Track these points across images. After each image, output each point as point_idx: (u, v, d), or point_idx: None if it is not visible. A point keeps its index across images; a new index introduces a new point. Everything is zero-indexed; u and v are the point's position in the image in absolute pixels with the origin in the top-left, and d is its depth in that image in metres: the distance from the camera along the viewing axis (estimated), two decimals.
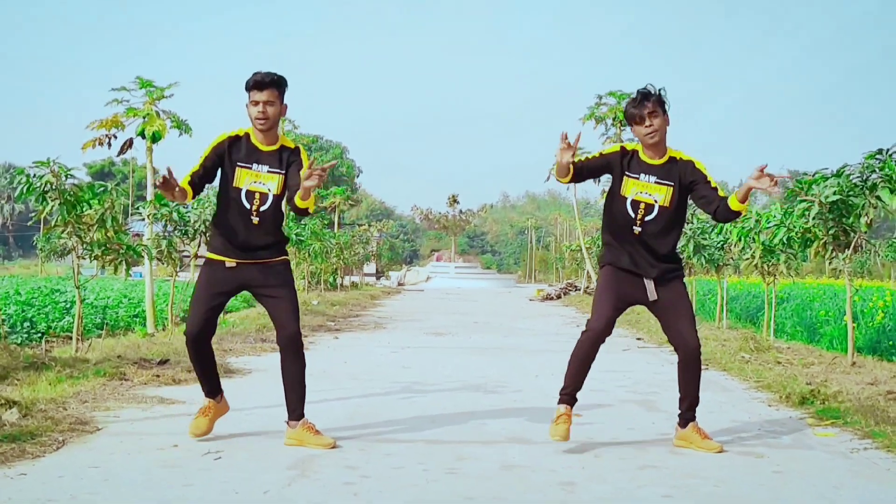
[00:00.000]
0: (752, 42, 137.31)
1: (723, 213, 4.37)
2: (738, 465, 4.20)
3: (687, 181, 4.45)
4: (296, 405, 4.53)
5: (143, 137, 11.60)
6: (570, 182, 4.65)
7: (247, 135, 4.51)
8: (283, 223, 4.56)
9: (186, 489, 3.63)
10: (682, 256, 4.64)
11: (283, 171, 4.47)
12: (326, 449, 4.35)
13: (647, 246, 4.46)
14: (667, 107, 4.43)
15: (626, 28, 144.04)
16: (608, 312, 4.48)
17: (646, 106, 4.35)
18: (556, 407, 4.52)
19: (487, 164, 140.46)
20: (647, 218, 4.43)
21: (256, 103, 4.39)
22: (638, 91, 4.42)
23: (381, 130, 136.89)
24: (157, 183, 4.34)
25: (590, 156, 4.68)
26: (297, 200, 4.27)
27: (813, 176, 7.88)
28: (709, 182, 4.44)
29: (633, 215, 4.45)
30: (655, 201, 4.42)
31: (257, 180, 4.45)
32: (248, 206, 4.44)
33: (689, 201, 4.62)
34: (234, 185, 4.46)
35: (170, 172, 4.26)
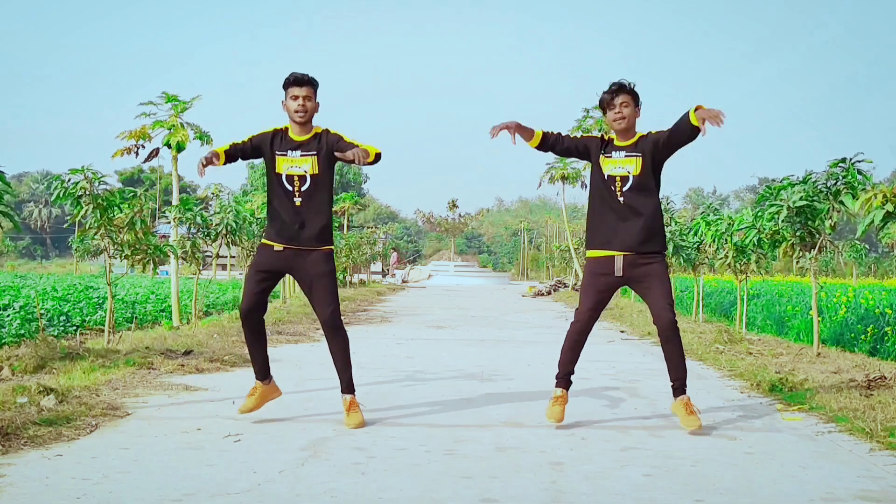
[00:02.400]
0: (726, 64, 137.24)
1: (683, 123, 4.40)
2: (713, 446, 4.20)
3: (654, 144, 4.50)
4: (341, 378, 4.71)
5: (169, 147, 11.61)
6: (536, 147, 4.71)
7: (286, 129, 4.65)
8: (330, 207, 4.65)
9: (209, 468, 3.63)
10: (664, 235, 4.65)
11: (315, 153, 4.58)
12: (358, 427, 4.49)
13: (631, 212, 4.51)
14: (637, 98, 4.56)
15: (615, 49, 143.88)
16: (589, 303, 4.59)
17: (618, 96, 4.49)
18: (553, 390, 4.60)
19: (484, 171, 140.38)
20: (624, 188, 4.52)
21: (296, 97, 4.53)
22: (613, 83, 4.55)
23: (386, 139, 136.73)
24: (203, 161, 4.50)
25: (570, 133, 4.78)
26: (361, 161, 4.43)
27: (781, 182, 7.89)
28: (665, 131, 4.50)
29: (613, 188, 4.54)
30: (629, 172, 4.52)
31: (293, 164, 4.57)
32: (290, 188, 4.57)
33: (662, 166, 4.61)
34: (275, 171, 4.60)
35: (211, 160, 4.50)
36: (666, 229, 4.73)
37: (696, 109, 4.33)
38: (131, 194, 7.99)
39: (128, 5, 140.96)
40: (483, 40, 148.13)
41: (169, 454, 3.87)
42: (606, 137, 4.68)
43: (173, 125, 11.52)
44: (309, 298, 4.67)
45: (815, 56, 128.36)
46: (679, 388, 4.56)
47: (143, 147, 11.55)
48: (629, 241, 4.50)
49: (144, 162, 12.01)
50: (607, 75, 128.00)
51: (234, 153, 4.68)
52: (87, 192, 7.33)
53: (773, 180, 8.24)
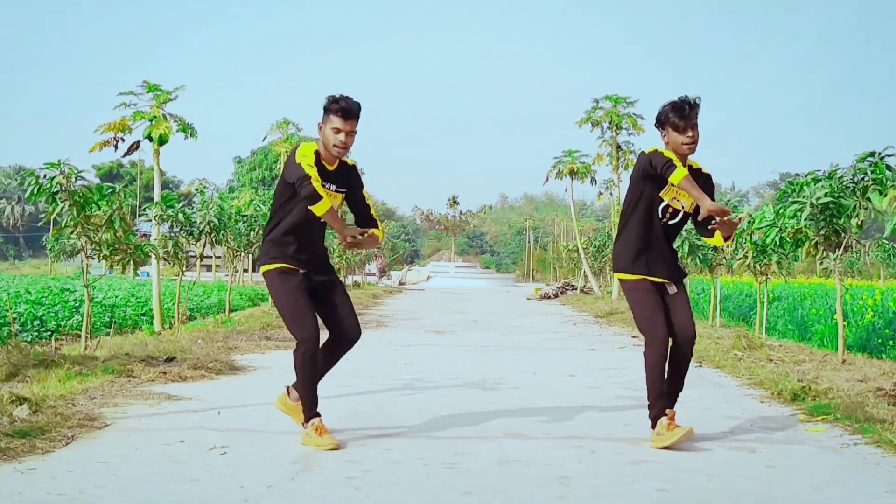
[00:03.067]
0: (745, 51, 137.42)
1: (707, 236, 4.52)
2: (731, 459, 4.20)
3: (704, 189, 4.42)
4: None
5: (150, 140, 11.62)
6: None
7: (317, 152, 4.44)
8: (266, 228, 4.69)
9: (192, 483, 3.64)
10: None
11: (345, 190, 4.57)
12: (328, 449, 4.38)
13: (664, 246, 4.54)
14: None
15: (621, 38, 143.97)
16: (656, 320, 4.47)
17: (691, 118, 4.35)
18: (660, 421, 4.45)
19: (486, 166, 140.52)
20: (671, 222, 4.51)
21: (338, 131, 4.35)
22: (682, 100, 4.38)
23: (383, 133, 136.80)
24: (358, 239, 4.41)
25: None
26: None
27: (804, 178, 7.89)
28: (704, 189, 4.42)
29: (661, 217, 4.49)
30: (683, 207, 4.50)
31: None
32: (318, 218, 4.35)
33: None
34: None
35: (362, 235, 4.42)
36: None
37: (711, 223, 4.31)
38: (110, 190, 8.00)
39: None
40: (485, 29, 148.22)
41: (150, 468, 3.87)
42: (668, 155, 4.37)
43: (155, 116, 11.53)
44: (332, 317, 4.57)
45: (836, 40, 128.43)
46: (671, 402, 4.60)
47: (123, 140, 11.55)
48: (671, 271, 4.55)
49: (124, 156, 12.02)
50: (613, 63, 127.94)
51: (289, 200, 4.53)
52: (64, 188, 7.34)
53: (796, 175, 8.25)
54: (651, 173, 4.36)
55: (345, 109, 4.34)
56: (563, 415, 5.36)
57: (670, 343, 4.50)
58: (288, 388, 4.71)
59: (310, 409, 4.43)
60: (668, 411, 4.46)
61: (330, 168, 4.49)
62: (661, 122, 4.45)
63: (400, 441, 4.53)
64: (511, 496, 3.52)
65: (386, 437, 4.61)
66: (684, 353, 4.55)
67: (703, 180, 4.49)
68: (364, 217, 4.63)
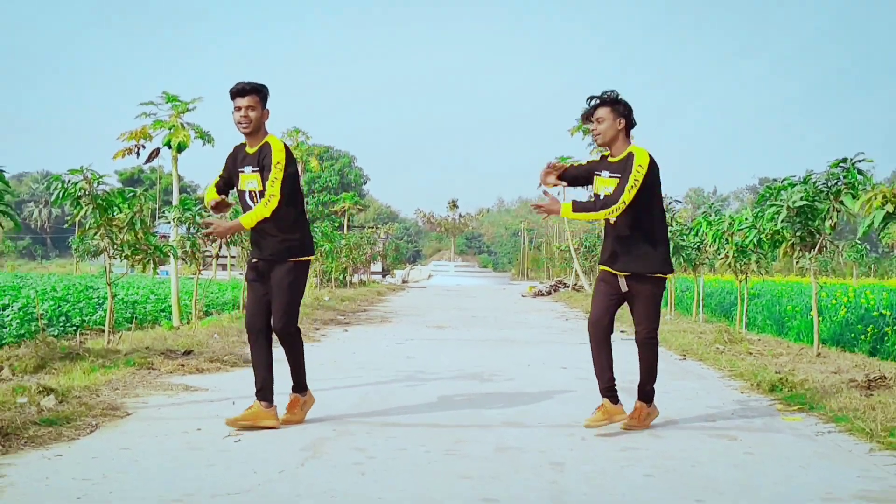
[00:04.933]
0: (721, 58, 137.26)
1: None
2: (713, 447, 4.20)
3: (627, 173, 4.34)
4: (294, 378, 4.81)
5: (169, 147, 11.63)
6: (554, 185, 4.66)
7: (243, 143, 4.62)
8: (291, 221, 4.55)
9: (209, 469, 3.63)
10: (662, 257, 4.54)
11: (259, 169, 4.49)
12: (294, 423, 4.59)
13: (623, 232, 4.44)
14: (618, 108, 4.37)
15: (608, 46, 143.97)
16: (600, 306, 4.57)
17: (593, 112, 4.41)
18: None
19: (484, 171, 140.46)
20: None
21: (239, 108, 4.48)
22: (589, 96, 4.45)
23: (386, 140, 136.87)
24: (211, 206, 4.62)
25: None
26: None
27: (782, 182, 7.89)
28: (625, 181, 4.29)
29: None
30: (608, 193, 4.40)
31: (248, 181, 4.54)
32: (251, 205, 4.51)
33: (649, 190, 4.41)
34: (238, 188, 4.61)
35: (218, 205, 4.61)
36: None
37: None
38: (131, 194, 7.99)
39: (131, 4, 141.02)
40: (483, 37, 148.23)
41: (169, 454, 3.87)
42: (605, 153, 4.58)
43: (174, 125, 11.53)
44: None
45: (811, 47, 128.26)
46: (642, 394, 4.63)
47: (144, 147, 11.57)
48: (625, 263, 4.44)
49: (146, 163, 12.04)
50: (601, 70, 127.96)
51: (223, 189, 4.75)
52: (87, 193, 7.33)
53: (774, 180, 8.24)
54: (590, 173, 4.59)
55: (237, 90, 4.48)
56: (557, 404, 5.35)
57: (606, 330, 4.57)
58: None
59: (258, 390, 4.56)
60: (603, 402, 4.49)
61: (250, 151, 4.55)
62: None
63: (403, 429, 4.53)
64: (508, 481, 3.52)
65: (390, 426, 4.61)
66: (640, 352, 4.58)
67: (628, 160, 4.34)
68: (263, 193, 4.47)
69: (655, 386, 4.67)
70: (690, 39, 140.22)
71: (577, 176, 4.65)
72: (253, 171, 4.51)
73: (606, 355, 4.56)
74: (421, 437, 4.34)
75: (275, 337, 4.64)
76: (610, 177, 4.40)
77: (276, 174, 4.40)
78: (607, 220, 4.47)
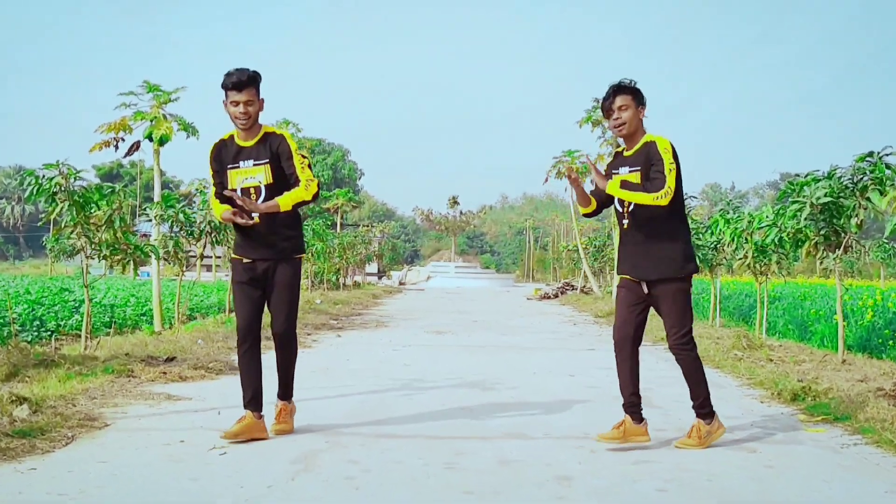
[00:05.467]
0: (739, 47, 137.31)
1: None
2: (731, 459, 4.20)
3: (649, 162, 4.32)
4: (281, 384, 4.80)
5: (150, 140, 11.61)
6: (595, 211, 4.64)
7: (231, 137, 4.55)
8: (295, 216, 4.61)
9: (192, 483, 3.64)
10: (684, 255, 4.42)
11: (267, 161, 4.46)
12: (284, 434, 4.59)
13: (638, 238, 4.39)
14: (639, 96, 4.39)
15: (619, 35, 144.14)
16: (622, 316, 4.48)
17: (615, 100, 4.37)
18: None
19: (487, 166, 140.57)
20: (631, 208, 4.39)
21: (237, 103, 4.39)
22: (611, 85, 4.42)
23: (382, 133, 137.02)
24: (231, 216, 4.40)
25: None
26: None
27: (804, 178, 7.89)
28: (660, 167, 4.25)
29: (620, 209, 4.47)
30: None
31: (247, 176, 4.48)
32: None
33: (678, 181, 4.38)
34: (230, 187, 4.50)
35: (241, 203, 4.37)
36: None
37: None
38: (110, 190, 8.00)
39: None
40: (483, 28, 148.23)
41: (150, 468, 3.87)
42: (618, 150, 4.58)
43: (155, 117, 11.53)
44: (268, 307, 4.64)
45: (836, 38, 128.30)
46: (696, 410, 4.51)
47: (123, 140, 11.55)
48: (644, 269, 4.38)
49: (125, 156, 12.01)
50: (610, 60, 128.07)
51: (223, 197, 4.55)
52: (63, 189, 7.33)
53: (796, 175, 8.24)
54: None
55: (235, 82, 4.37)
56: (563, 415, 5.36)
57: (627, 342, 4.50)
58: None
59: (245, 398, 4.55)
60: (623, 420, 4.44)
61: (247, 144, 4.50)
62: (602, 113, 4.55)
63: (399, 441, 4.53)
64: (511, 496, 3.52)
65: (385, 437, 4.61)
66: (678, 362, 4.49)
67: (646, 149, 4.34)
68: (289, 181, 4.47)
69: (669, 393, 4.65)
70: (707, 27, 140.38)
71: (600, 192, 4.56)
72: (256, 165, 4.46)
73: (630, 368, 4.47)
74: (418, 449, 4.34)
75: (264, 342, 4.64)
76: (630, 171, 4.37)
77: (301, 160, 4.45)
78: (622, 226, 4.47)
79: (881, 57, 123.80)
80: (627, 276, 4.49)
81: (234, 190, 4.48)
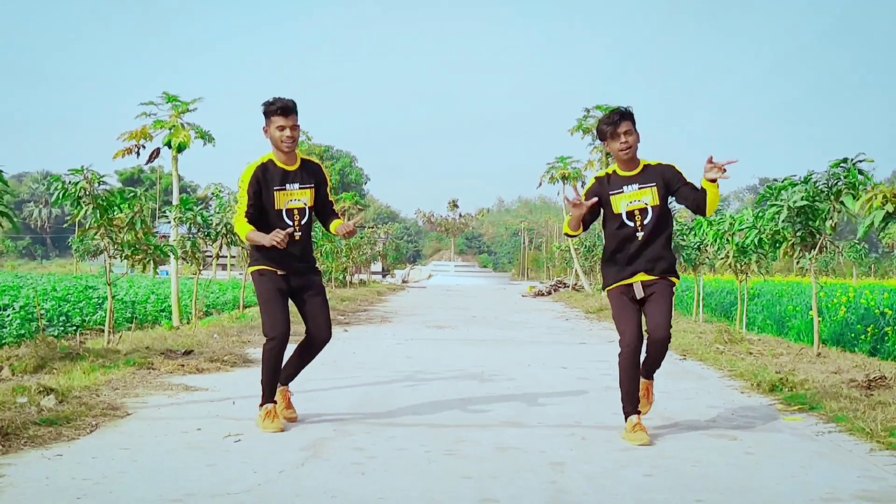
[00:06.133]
0: (719, 60, 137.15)
1: (702, 203, 4.30)
2: (713, 446, 4.20)
3: (668, 181, 4.37)
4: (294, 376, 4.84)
5: (169, 147, 11.63)
6: (579, 235, 4.63)
7: (270, 161, 4.52)
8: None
9: (209, 469, 3.63)
10: (674, 258, 4.52)
11: (313, 185, 4.59)
12: (274, 432, 4.41)
13: (648, 247, 4.37)
14: (635, 123, 4.40)
15: (608, 47, 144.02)
16: (633, 325, 4.37)
17: (621, 125, 4.32)
18: (630, 419, 4.37)
19: (484, 171, 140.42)
20: (645, 221, 4.36)
21: (283, 128, 4.43)
22: (612, 111, 4.39)
23: (387, 140, 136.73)
24: (278, 241, 4.31)
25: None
26: (331, 229, 4.59)
27: (782, 182, 7.88)
28: (689, 183, 4.37)
29: (632, 224, 4.38)
30: (646, 204, 4.35)
31: (293, 198, 4.51)
32: (290, 223, 4.50)
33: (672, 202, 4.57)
34: (275, 208, 4.48)
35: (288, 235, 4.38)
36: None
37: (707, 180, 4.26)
38: (131, 194, 7.99)
39: (132, 2, 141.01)
40: (480, 40, 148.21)
41: (169, 454, 3.87)
42: (603, 175, 4.50)
43: (174, 126, 11.54)
44: (307, 317, 4.65)
45: (811, 47, 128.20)
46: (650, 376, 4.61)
47: (144, 147, 11.58)
48: (646, 268, 4.37)
49: (146, 163, 12.06)
50: (600, 71, 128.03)
51: (254, 214, 4.49)
52: (87, 193, 7.34)
53: (774, 180, 8.24)
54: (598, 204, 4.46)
55: (283, 108, 4.42)
56: (557, 405, 5.35)
57: (645, 342, 4.42)
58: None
59: (267, 396, 4.51)
60: (636, 416, 4.36)
61: (290, 168, 4.54)
62: (600, 136, 4.47)
63: (403, 429, 4.53)
64: (508, 481, 3.52)
65: (390, 426, 4.61)
66: (652, 353, 4.44)
67: (657, 170, 4.39)
68: (327, 212, 4.70)
69: (655, 385, 4.65)
70: (690, 42, 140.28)
71: (593, 211, 4.49)
72: (302, 188, 4.54)
73: (638, 380, 4.43)
74: (421, 436, 4.34)
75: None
76: (641, 188, 4.35)
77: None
78: (634, 239, 4.37)
79: (853, 68, 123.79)
80: (624, 283, 4.42)
81: (280, 210, 4.49)
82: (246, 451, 3.96)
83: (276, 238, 4.27)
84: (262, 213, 4.50)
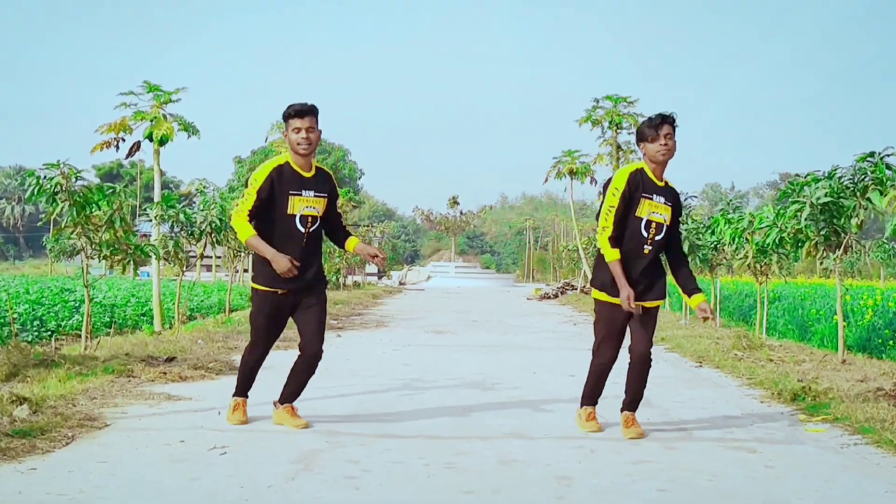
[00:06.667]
0: (737, 51, 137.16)
1: (675, 269, 4.78)
2: (731, 459, 4.20)
3: (678, 207, 4.72)
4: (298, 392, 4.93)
5: (151, 140, 11.62)
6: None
7: (287, 163, 4.65)
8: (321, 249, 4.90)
9: (193, 483, 3.64)
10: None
11: (327, 195, 4.73)
12: (301, 428, 4.72)
13: (650, 265, 4.60)
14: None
15: (616, 39, 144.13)
16: (615, 342, 4.76)
17: (663, 127, 4.53)
18: (584, 408, 4.89)
19: (486, 166, 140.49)
20: (657, 237, 4.58)
21: (298, 130, 4.57)
22: (658, 114, 4.58)
23: (382, 133, 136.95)
24: (286, 271, 4.51)
25: (615, 207, 4.57)
26: (348, 247, 4.83)
27: (805, 178, 7.89)
28: (678, 224, 4.75)
29: (645, 234, 4.56)
30: (664, 220, 4.60)
31: (308, 205, 4.64)
32: (301, 229, 4.62)
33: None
34: (288, 212, 4.59)
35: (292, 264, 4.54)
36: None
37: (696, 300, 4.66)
38: (110, 190, 7.99)
39: None
40: (482, 31, 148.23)
41: (150, 467, 3.87)
42: (635, 169, 4.60)
43: (156, 117, 11.53)
44: (300, 328, 4.77)
45: (836, 37, 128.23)
46: (630, 408, 4.81)
47: (124, 140, 11.57)
48: (647, 294, 4.59)
49: (126, 157, 12.05)
50: (612, 63, 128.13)
51: (257, 215, 4.59)
52: (64, 189, 7.33)
53: (796, 176, 8.24)
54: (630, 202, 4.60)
55: (298, 110, 4.59)
56: (563, 415, 5.36)
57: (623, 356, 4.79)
58: (274, 403, 4.93)
59: (238, 390, 4.94)
60: (590, 408, 4.88)
61: (306, 174, 4.68)
62: (639, 137, 4.66)
63: (400, 441, 4.53)
64: (511, 496, 3.52)
65: (386, 437, 4.61)
66: (635, 370, 4.72)
67: (675, 194, 4.71)
68: (336, 225, 4.90)
69: (668, 394, 4.71)
70: (705, 31, 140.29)
71: (623, 212, 4.59)
72: (317, 196, 4.68)
73: (603, 386, 4.92)
74: (419, 449, 4.34)
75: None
76: (665, 204, 4.62)
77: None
78: (640, 250, 4.57)
79: (879, 58, 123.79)
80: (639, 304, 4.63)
81: (294, 215, 4.59)
82: (232, 464, 3.96)
83: (285, 267, 4.48)
84: (269, 216, 4.60)
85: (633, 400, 4.77)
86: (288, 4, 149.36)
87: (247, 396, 4.96)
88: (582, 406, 4.89)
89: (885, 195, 6.85)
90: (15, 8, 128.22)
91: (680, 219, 4.76)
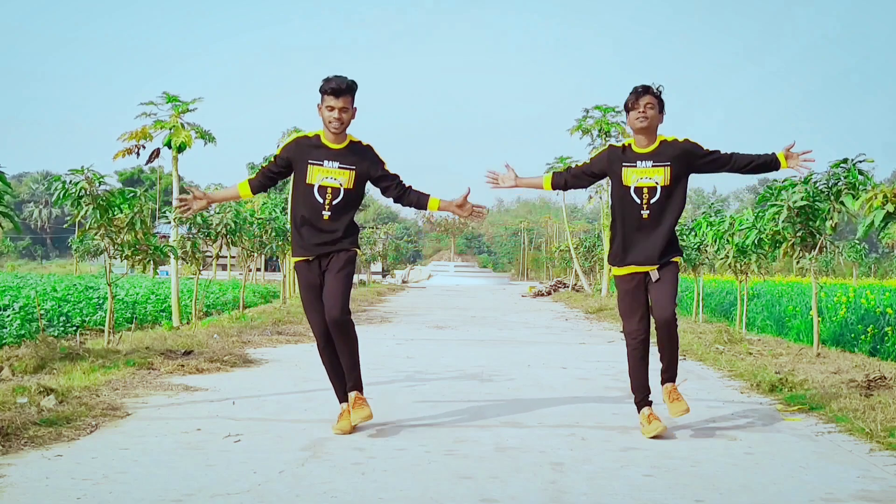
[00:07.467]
0: (726, 63, 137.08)
1: (746, 165, 4.48)
2: (713, 446, 4.20)
3: (687, 156, 4.43)
4: (349, 376, 4.60)
5: (170, 147, 11.62)
6: (552, 189, 4.74)
7: (317, 136, 4.42)
8: (354, 216, 4.51)
9: (209, 469, 3.63)
10: (677, 238, 4.61)
11: (354, 167, 4.38)
12: (365, 420, 4.38)
13: (653, 228, 4.41)
14: (663, 104, 4.46)
15: (610, 50, 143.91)
16: (636, 315, 4.52)
17: (643, 97, 4.37)
18: (642, 412, 4.53)
19: (484, 171, 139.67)
20: (652, 200, 4.40)
21: (332, 108, 4.29)
22: (642, 84, 4.44)
23: (387, 140, 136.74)
24: (178, 206, 4.40)
25: (579, 163, 4.69)
26: (430, 207, 4.53)
27: (782, 183, 7.89)
28: (707, 151, 4.46)
29: (638, 201, 4.41)
30: (657, 183, 4.39)
31: (328, 176, 4.35)
32: (320, 200, 4.35)
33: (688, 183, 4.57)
34: (306, 181, 4.36)
35: (187, 191, 4.37)
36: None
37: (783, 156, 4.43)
38: (131, 195, 7.99)
39: (131, 3, 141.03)
40: (481, 42, 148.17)
41: (169, 454, 3.87)
42: (619, 144, 4.56)
43: (174, 126, 11.53)
44: (323, 295, 4.42)
45: (811, 51, 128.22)
46: (667, 378, 4.57)
47: (144, 147, 11.57)
48: (653, 256, 4.41)
49: (146, 164, 12.05)
50: (602, 74, 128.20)
51: (262, 182, 4.51)
52: (88, 193, 7.33)
53: (774, 181, 8.24)
54: (595, 172, 4.61)
55: (335, 88, 4.28)
56: (556, 405, 5.35)
57: (652, 328, 4.50)
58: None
59: (339, 397, 4.58)
60: (646, 409, 4.49)
61: (335, 146, 4.39)
62: (625, 107, 4.50)
63: (403, 429, 4.53)
64: (507, 481, 3.52)
65: (390, 426, 4.61)
66: (662, 335, 4.45)
67: (672, 146, 4.44)
68: (396, 187, 4.53)
69: (656, 385, 4.65)
70: (694, 45, 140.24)
71: (583, 174, 4.64)
72: (342, 168, 4.35)
73: (647, 365, 4.55)
74: (420, 436, 4.34)
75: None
76: (654, 165, 4.40)
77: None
78: (639, 217, 4.42)
79: (854, 71, 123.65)
80: (633, 269, 4.47)
81: (312, 185, 4.33)
82: (246, 452, 3.96)
83: (182, 202, 4.50)
84: (296, 185, 4.43)
85: (667, 367, 4.53)
86: (297, 12, 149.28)
87: (346, 400, 4.51)
88: (639, 411, 4.54)
89: (858, 199, 6.84)
90: (40, 18, 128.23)
91: (702, 151, 4.44)
